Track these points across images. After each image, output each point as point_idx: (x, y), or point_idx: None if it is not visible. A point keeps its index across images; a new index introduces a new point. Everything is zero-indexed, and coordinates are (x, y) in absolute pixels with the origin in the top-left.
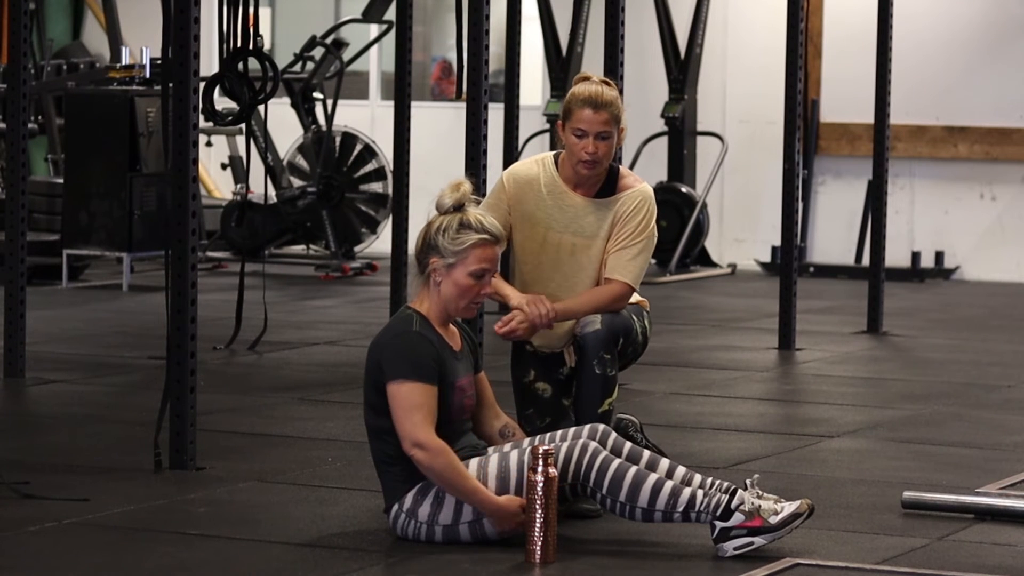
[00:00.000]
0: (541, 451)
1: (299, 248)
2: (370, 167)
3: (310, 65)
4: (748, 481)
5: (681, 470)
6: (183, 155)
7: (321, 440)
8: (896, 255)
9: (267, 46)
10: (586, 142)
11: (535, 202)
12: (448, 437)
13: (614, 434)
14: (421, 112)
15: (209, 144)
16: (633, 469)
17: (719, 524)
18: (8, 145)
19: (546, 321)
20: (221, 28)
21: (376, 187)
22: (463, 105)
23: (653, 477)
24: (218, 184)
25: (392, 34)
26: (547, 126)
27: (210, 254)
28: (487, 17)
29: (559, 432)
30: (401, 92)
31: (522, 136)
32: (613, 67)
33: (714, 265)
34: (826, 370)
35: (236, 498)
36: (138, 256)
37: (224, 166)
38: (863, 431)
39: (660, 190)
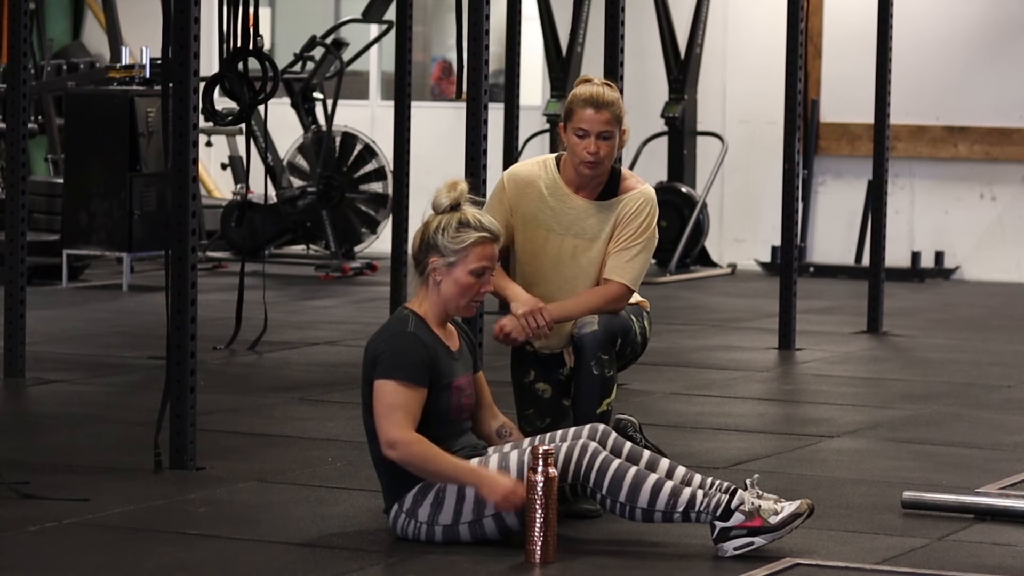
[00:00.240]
0: (541, 451)
1: (299, 248)
2: (370, 167)
3: (310, 65)
4: (748, 481)
5: (681, 470)
6: (183, 155)
7: (321, 440)
8: (896, 255)
9: (267, 46)
10: (588, 142)
11: (536, 204)
12: (447, 437)
13: (614, 434)
14: (421, 112)
15: (209, 144)
16: (633, 469)
17: (719, 524)
18: (8, 145)
19: (541, 333)
20: (221, 28)
21: (376, 187)
22: (463, 105)
23: (653, 477)
24: (218, 184)
25: (392, 34)
26: (547, 126)
27: (210, 254)
28: (487, 17)
29: (559, 432)
30: (401, 92)
31: (522, 136)
32: (613, 67)
33: (714, 265)
34: (826, 370)
35: (236, 498)
36: (138, 256)
37: (224, 166)
38: (863, 431)
39: (660, 190)
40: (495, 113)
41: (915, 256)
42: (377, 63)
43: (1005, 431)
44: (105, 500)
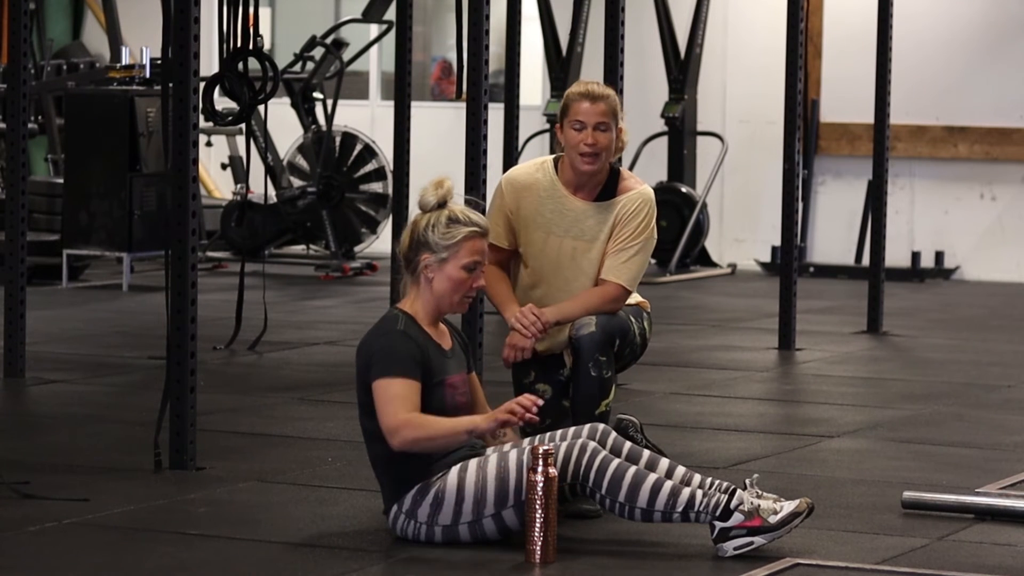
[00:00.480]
0: (541, 451)
1: (299, 248)
2: (370, 167)
3: (310, 65)
4: (748, 481)
5: (681, 470)
6: (183, 155)
7: (321, 440)
8: (896, 255)
9: (267, 46)
10: (585, 134)
11: (535, 206)
12: None
13: (614, 434)
14: (421, 112)
15: (209, 144)
16: (632, 469)
17: (718, 524)
18: (8, 145)
19: (536, 329)
20: (221, 28)
21: (376, 187)
22: (463, 105)
23: (652, 477)
24: (218, 184)
25: (392, 34)
26: (547, 126)
27: (210, 254)
28: (487, 17)
29: (558, 432)
30: (401, 92)
31: (522, 136)
32: (613, 67)
33: (714, 265)
34: (826, 370)
35: (236, 498)
36: (138, 256)
37: (224, 166)
38: (863, 431)
39: (660, 190)
40: (495, 113)
41: (915, 256)
42: (377, 63)
43: (1005, 431)
44: (105, 500)
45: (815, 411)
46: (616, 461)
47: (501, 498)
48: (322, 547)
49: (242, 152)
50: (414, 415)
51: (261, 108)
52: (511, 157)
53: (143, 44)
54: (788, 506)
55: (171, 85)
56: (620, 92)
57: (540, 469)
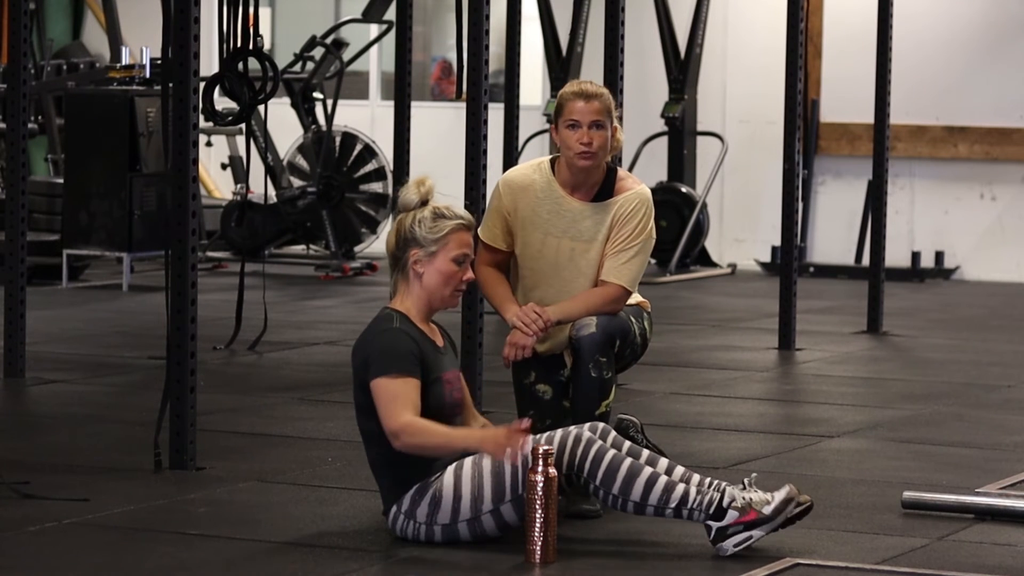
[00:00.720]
0: (541, 451)
1: (299, 248)
2: (370, 167)
3: (310, 65)
4: (746, 480)
5: (679, 470)
6: (183, 155)
7: (321, 440)
8: (896, 255)
9: (267, 46)
10: (580, 132)
11: (532, 207)
12: None
13: (613, 432)
14: (421, 112)
15: (209, 144)
16: (628, 461)
17: (714, 525)
18: (8, 145)
19: (538, 327)
20: (221, 28)
21: (376, 187)
22: (463, 105)
23: (647, 471)
24: (218, 184)
25: (392, 34)
26: (547, 126)
27: (210, 254)
28: (487, 17)
29: (558, 431)
30: (401, 92)
31: (522, 136)
32: (613, 67)
33: (714, 265)
34: (826, 370)
35: (236, 498)
36: (138, 256)
37: (224, 166)
38: (863, 431)
39: (660, 190)
40: (495, 113)
41: (915, 256)
42: (377, 63)
43: (1005, 431)
44: (105, 500)
45: (815, 411)
46: (612, 452)
47: (498, 493)
48: (322, 547)
49: (242, 152)
50: (417, 420)
51: (261, 108)
52: (511, 157)
53: (143, 44)
54: (779, 494)
55: (171, 85)
56: (620, 92)
57: (540, 469)
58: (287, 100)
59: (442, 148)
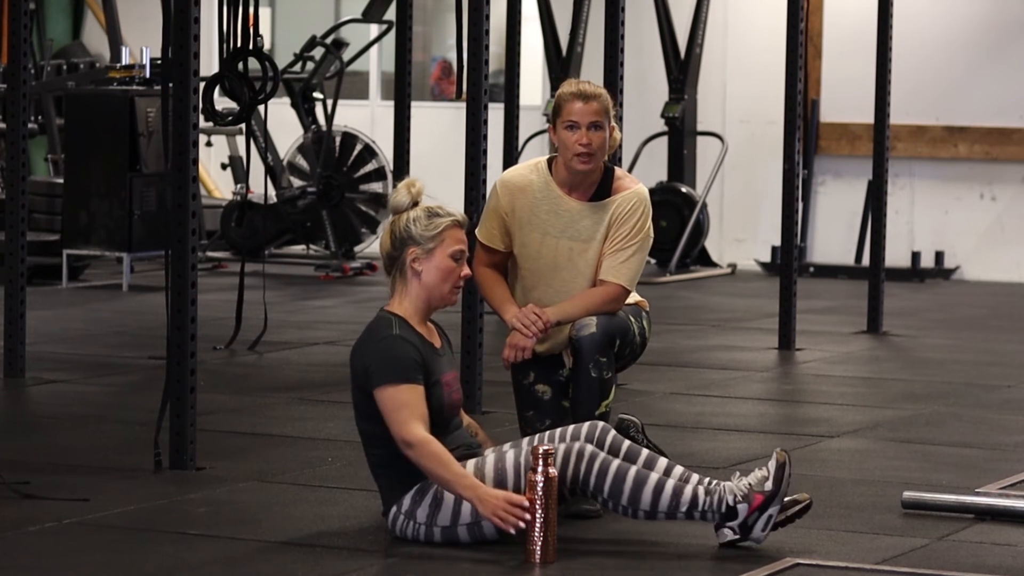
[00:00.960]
0: (541, 451)
1: (299, 248)
2: (370, 167)
3: (310, 65)
4: (739, 472)
5: (679, 469)
6: (183, 155)
7: (321, 440)
8: (896, 255)
9: (267, 46)
10: (579, 134)
11: (530, 208)
12: (442, 435)
13: (613, 431)
14: (421, 112)
15: (209, 144)
16: (633, 470)
17: (734, 525)
18: (8, 145)
19: (539, 328)
20: (221, 28)
21: (376, 187)
22: (463, 105)
23: (654, 477)
24: (218, 184)
25: (392, 34)
26: (547, 126)
27: (210, 254)
28: (487, 17)
29: (557, 431)
30: (401, 92)
31: (522, 136)
32: (613, 67)
33: (714, 265)
34: (826, 370)
35: (236, 498)
36: (138, 256)
37: (224, 166)
38: (863, 431)
39: (660, 190)
40: (495, 113)
41: (915, 256)
42: (377, 63)
43: (1005, 431)
44: (105, 500)
45: (815, 411)
46: (616, 463)
47: None
48: (322, 547)
49: (242, 152)
50: (432, 444)
51: (261, 108)
52: (511, 157)
53: (143, 44)
54: (771, 465)
55: (171, 85)
56: (620, 92)
57: (540, 469)
58: (287, 100)
59: (442, 148)
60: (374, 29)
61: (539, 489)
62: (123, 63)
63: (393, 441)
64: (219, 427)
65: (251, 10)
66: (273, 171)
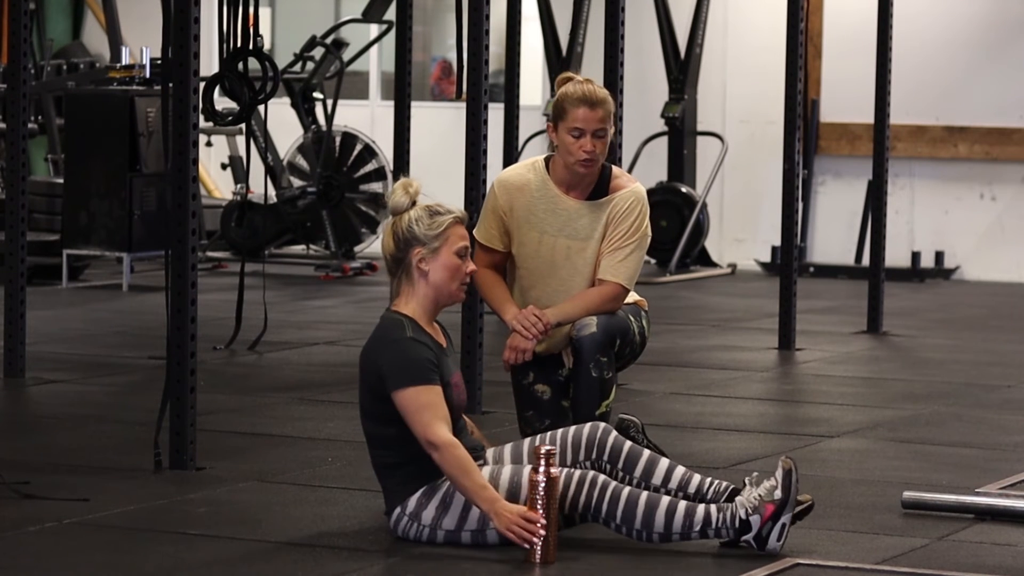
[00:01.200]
0: (543, 451)
1: (299, 248)
2: (370, 167)
3: (310, 65)
4: (747, 479)
5: (680, 470)
6: (183, 155)
7: (321, 440)
8: (896, 255)
9: (267, 46)
10: (584, 141)
11: (528, 207)
12: None
13: (614, 433)
14: (421, 112)
15: (209, 144)
16: (644, 495)
17: (749, 537)
18: (8, 145)
19: (538, 329)
20: (221, 28)
21: (376, 187)
22: (463, 105)
23: (665, 500)
24: (218, 184)
25: (392, 34)
26: (547, 127)
27: (210, 254)
28: (487, 17)
29: (559, 432)
30: (401, 92)
31: (522, 136)
32: (613, 67)
33: (714, 265)
34: (826, 370)
35: (236, 498)
36: (138, 256)
37: (224, 166)
38: (863, 431)
39: (660, 190)
40: (495, 113)
41: (915, 256)
42: (377, 63)
43: (1005, 431)
44: (105, 500)
45: (815, 411)
46: (627, 490)
47: None
48: (322, 547)
49: (242, 152)
50: (458, 450)
51: (261, 108)
52: (511, 157)
53: (143, 44)
54: (778, 475)
55: (171, 85)
56: (620, 92)
57: (542, 469)
58: (287, 100)
59: (442, 148)
60: (374, 29)
61: (540, 489)
62: (123, 63)
63: (403, 443)
64: (219, 427)
65: (251, 10)
66: (273, 171)
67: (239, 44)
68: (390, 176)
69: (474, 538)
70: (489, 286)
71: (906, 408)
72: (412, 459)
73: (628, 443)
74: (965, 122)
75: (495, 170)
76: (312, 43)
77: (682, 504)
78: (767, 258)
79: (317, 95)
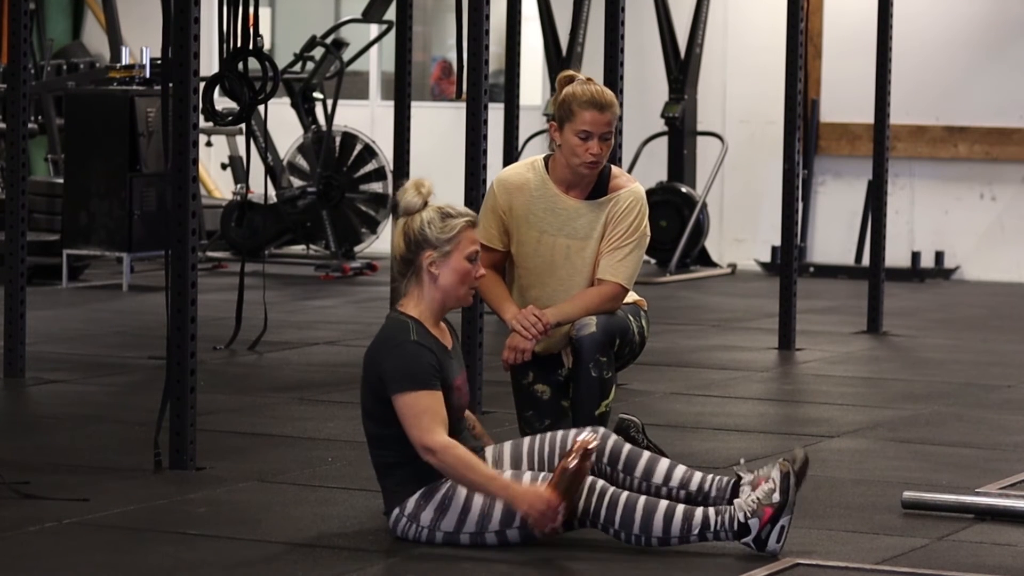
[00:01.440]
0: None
1: (299, 248)
2: (370, 167)
3: (310, 65)
4: (736, 469)
5: (680, 470)
6: (183, 155)
7: (321, 440)
8: (896, 255)
9: (267, 46)
10: (591, 143)
11: (527, 206)
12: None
13: (613, 436)
14: (421, 112)
15: (209, 144)
16: (642, 500)
17: (748, 540)
18: (8, 145)
19: (538, 329)
20: (221, 28)
21: (376, 187)
22: (463, 105)
23: (663, 504)
24: (218, 184)
25: (392, 34)
26: (547, 126)
27: (210, 254)
28: (487, 17)
29: (559, 433)
30: (401, 92)
31: (522, 136)
32: (613, 67)
33: (714, 265)
34: (826, 370)
35: (236, 498)
36: (138, 256)
37: (224, 166)
38: (863, 431)
39: (660, 190)
40: (495, 113)
41: (915, 256)
42: (377, 63)
43: (1005, 431)
44: (105, 500)
45: (815, 411)
46: (624, 494)
47: (508, 518)
48: (322, 547)
49: (242, 152)
50: (457, 449)
51: (261, 108)
52: (511, 157)
53: (143, 44)
54: (776, 476)
55: (171, 85)
56: (620, 92)
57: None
58: (287, 100)
59: (442, 148)
60: (374, 29)
61: (568, 474)
62: (123, 63)
63: (403, 444)
64: (219, 427)
65: (251, 10)
66: (273, 171)
67: (239, 44)
68: (390, 176)
69: (473, 540)
70: (489, 286)
71: (906, 408)
72: (411, 460)
73: (627, 445)
74: (965, 122)
75: (495, 170)
76: (312, 43)
77: (680, 508)
78: (767, 258)
79: (317, 95)
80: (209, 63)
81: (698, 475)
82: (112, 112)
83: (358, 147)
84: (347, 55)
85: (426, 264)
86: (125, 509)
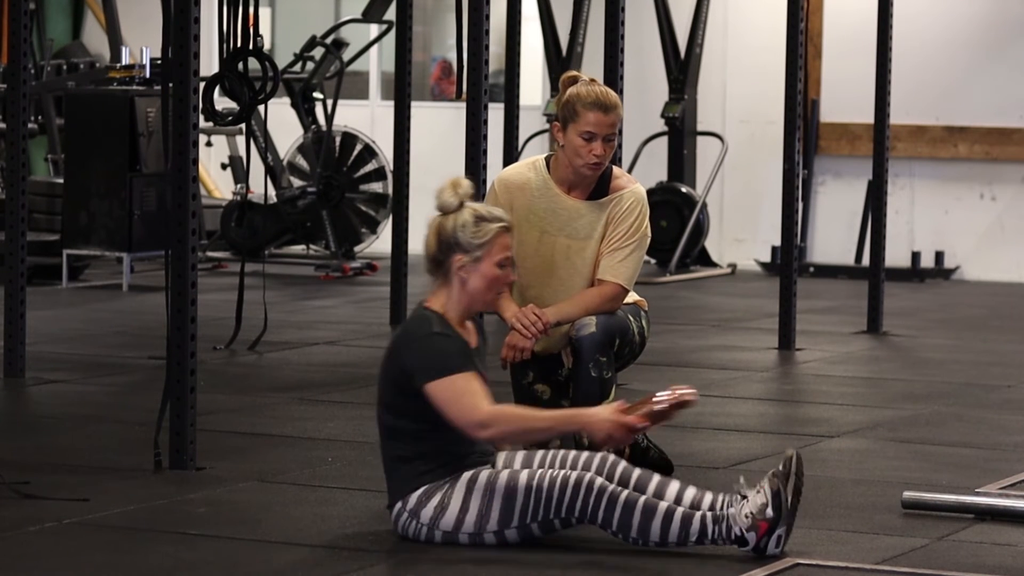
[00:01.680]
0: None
1: (299, 248)
2: (370, 167)
3: (310, 65)
4: (737, 488)
5: (691, 492)
6: (183, 155)
7: (321, 440)
8: (896, 255)
9: (267, 46)
10: (595, 144)
11: (528, 206)
12: (463, 440)
13: (623, 463)
14: (421, 112)
15: (209, 144)
16: (641, 501)
17: (747, 550)
18: (8, 145)
19: (537, 328)
20: (221, 28)
21: (376, 187)
22: (463, 105)
23: (663, 507)
24: (218, 184)
25: (392, 34)
26: (547, 126)
27: (210, 254)
28: (487, 17)
29: (570, 454)
30: (401, 92)
31: (522, 136)
32: (613, 67)
33: (714, 265)
34: (826, 370)
35: (236, 498)
36: (138, 256)
37: (224, 166)
38: (863, 431)
39: (660, 190)
40: (495, 113)
41: (915, 256)
42: (377, 63)
43: (1005, 431)
44: (105, 500)
45: (815, 411)
46: (624, 494)
47: (506, 518)
48: (322, 547)
49: (242, 152)
50: (506, 409)
51: (261, 108)
52: (511, 157)
53: (143, 44)
54: (768, 491)
55: (171, 85)
56: (620, 92)
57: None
58: (287, 100)
59: (442, 148)
60: (374, 29)
61: (649, 413)
62: (123, 63)
63: (416, 438)
64: (219, 427)
65: (251, 10)
66: (273, 171)
67: (239, 44)
68: (390, 176)
69: (472, 540)
70: None
71: (906, 408)
72: (421, 456)
73: (637, 471)
74: (965, 122)
75: (495, 170)
76: (312, 43)
77: (679, 513)
78: (767, 258)
79: (317, 95)
80: (209, 63)
81: (708, 497)
82: (112, 112)
83: (358, 147)
84: (347, 55)
85: (456, 268)
86: (125, 509)
